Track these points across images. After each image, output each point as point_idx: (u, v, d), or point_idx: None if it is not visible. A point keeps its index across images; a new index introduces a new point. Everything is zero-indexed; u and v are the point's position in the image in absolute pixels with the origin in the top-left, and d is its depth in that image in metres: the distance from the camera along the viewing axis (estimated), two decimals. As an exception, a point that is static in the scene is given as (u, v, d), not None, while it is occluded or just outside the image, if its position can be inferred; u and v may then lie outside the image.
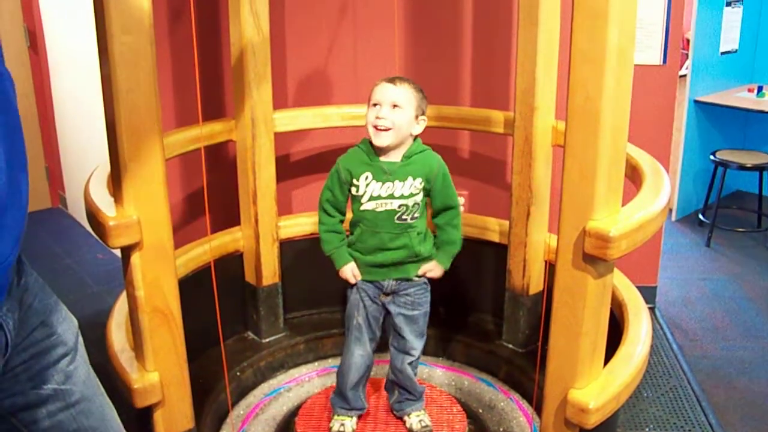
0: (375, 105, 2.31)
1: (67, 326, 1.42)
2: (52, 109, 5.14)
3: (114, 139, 1.89)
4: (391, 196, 2.37)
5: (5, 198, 1.08)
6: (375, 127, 2.31)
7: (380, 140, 2.32)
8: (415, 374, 2.61)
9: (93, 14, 1.83)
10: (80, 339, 1.46)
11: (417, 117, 2.34)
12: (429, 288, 2.53)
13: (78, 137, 4.82)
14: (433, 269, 2.48)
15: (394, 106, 2.30)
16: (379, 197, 2.37)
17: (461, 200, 3.44)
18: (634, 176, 2.24)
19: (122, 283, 2.11)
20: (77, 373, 1.41)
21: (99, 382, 1.51)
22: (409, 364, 2.55)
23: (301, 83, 3.26)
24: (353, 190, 2.39)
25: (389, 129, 2.30)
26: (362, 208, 2.39)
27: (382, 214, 2.38)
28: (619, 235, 1.70)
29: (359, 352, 2.53)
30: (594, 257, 1.75)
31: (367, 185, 2.37)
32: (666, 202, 1.98)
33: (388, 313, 2.53)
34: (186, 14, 3.04)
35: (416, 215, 2.41)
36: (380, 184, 2.36)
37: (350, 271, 2.46)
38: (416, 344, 2.55)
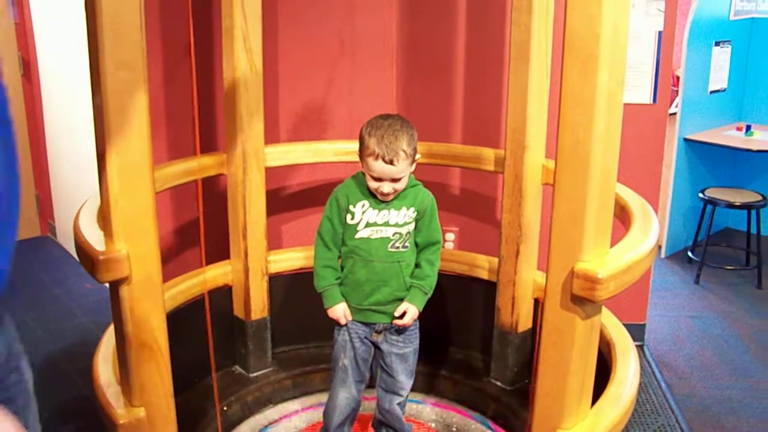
0: (376, 178, 2.33)
1: (29, 376, 1.38)
2: (43, 138, 5.15)
3: (104, 173, 1.89)
4: (387, 224, 2.40)
5: (5, 208, 1.12)
6: (379, 192, 2.36)
7: (385, 199, 2.39)
8: (403, 413, 2.60)
9: (87, 49, 1.84)
10: (33, 392, 1.42)
11: (412, 163, 2.37)
12: (418, 324, 2.53)
13: (68, 166, 4.82)
14: (406, 308, 2.44)
15: (395, 179, 2.33)
16: (375, 224, 2.40)
17: (451, 236, 3.45)
18: (623, 216, 2.25)
19: (110, 314, 2.11)
20: (31, 427, 1.37)
21: None
22: (398, 404, 2.55)
23: (294, 118, 3.28)
24: (348, 218, 2.41)
25: (392, 193, 2.36)
26: (357, 236, 2.41)
27: (376, 242, 2.40)
28: (608, 277, 1.70)
29: (344, 394, 2.52)
30: (582, 298, 1.75)
31: (364, 212, 2.40)
32: (654, 244, 1.99)
33: (377, 350, 2.52)
34: (178, 49, 3.05)
35: (407, 244, 2.43)
36: (376, 211, 2.40)
37: (342, 312, 2.45)
38: (406, 384, 2.54)
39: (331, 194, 2.46)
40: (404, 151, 2.28)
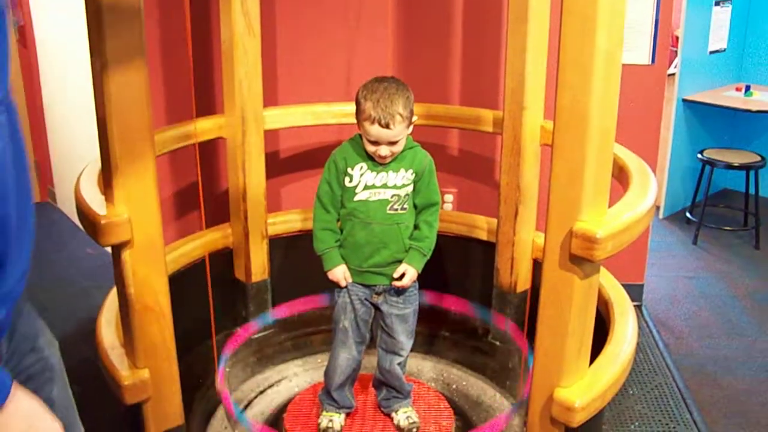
0: (373, 142, 2.33)
1: (53, 349, 1.39)
2: (41, 104, 5.13)
3: (105, 138, 1.90)
4: (385, 186, 2.40)
5: (13, 229, 1.06)
6: (376, 155, 2.36)
7: (383, 161, 2.39)
8: (404, 373, 2.63)
9: (84, 13, 1.83)
10: (61, 360, 1.42)
11: (409, 125, 2.36)
12: (417, 285, 2.55)
13: (67, 132, 4.82)
14: (405, 270, 2.45)
15: (392, 142, 2.32)
16: (373, 186, 2.40)
17: (450, 197, 3.46)
18: (621, 177, 2.25)
19: (112, 279, 2.12)
20: (59, 398, 1.38)
21: (74, 402, 1.46)
22: (398, 364, 2.58)
23: (292, 80, 3.27)
24: (347, 180, 2.41)
25: (389, 156, 2.36)
26: (356, 198, 2.41)
27: (374, 204, 2.41)
28: (606, 237, 1.72)
29: (345, 355, 2.55)
30: (580, 258, 1.76)
31: (362, 175, 2.40)
32: (652, 204, 2.00)
33: (377, 311, 2.55)
34: (176, 11, 3.04)
35: (405, 206, 2.44)
36: (374, 173, 2.40)
37: (341, 274, 2.47)
38: (406, 344, 2.57)
39: (329, 157, 2.47)
40: (400, 114, 2.28)
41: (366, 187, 2.40)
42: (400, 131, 2.31)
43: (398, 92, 2.30)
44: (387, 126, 2.27)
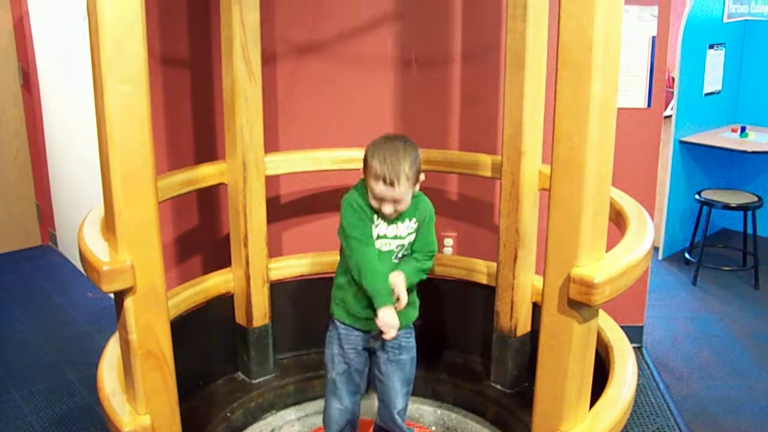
0: (378, 198, 2.31)
1: None
2: (43, 147, 5.17)
3: (108, 185, 1.92)
4: (395, 237, 2.41)
5: None
6: (380, 212, 2.35)
7: (388, 217, 2.36)
8: (404, 420, 2.61)
9: (90, 62, 1.87)
10: None
11: (415, 184, 2.36)
12: (413, 332, 2.54)
13: (69, 175, 4.85)
14: (396, 277, 2.37)
15: (396, 200, 2.31)
16: (385, 237, 2.40)
17: (449, 242, 3.48)
18: (618, 221, 2.28)
19: (112, 322, 2.13)
20: None
21: None
22: (398, 413, 2.57)
23: (293, 127, 3.31)
24: (372, 225, 2.40)
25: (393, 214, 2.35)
26: None
27: (384, 255, 2.41)
28: (603, 282, 1.73)
29: (337, 406, 2.54)
30: (579, 303, 1.78)
31: (376, 226, 2.40)
32: (650, 248, 2.02)
33: (373, 357, 2.54)
34: (178, 57, 3.08)
35: (407, 253, 2.46)
36: (386, 224, 2.40)
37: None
38: (401, 392, 2.55)
39: (348, 202, 2.40)
40: (406, 174, 2.27)
41: (379, 237, 2.40)
42: (404, 191, 2.30)
43: (406, 151, 2.29)
44: (392, 184, 2.26)
